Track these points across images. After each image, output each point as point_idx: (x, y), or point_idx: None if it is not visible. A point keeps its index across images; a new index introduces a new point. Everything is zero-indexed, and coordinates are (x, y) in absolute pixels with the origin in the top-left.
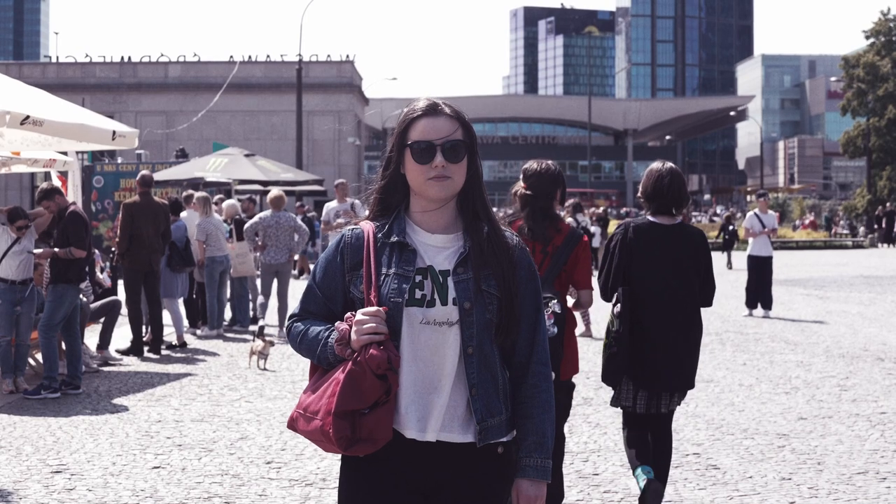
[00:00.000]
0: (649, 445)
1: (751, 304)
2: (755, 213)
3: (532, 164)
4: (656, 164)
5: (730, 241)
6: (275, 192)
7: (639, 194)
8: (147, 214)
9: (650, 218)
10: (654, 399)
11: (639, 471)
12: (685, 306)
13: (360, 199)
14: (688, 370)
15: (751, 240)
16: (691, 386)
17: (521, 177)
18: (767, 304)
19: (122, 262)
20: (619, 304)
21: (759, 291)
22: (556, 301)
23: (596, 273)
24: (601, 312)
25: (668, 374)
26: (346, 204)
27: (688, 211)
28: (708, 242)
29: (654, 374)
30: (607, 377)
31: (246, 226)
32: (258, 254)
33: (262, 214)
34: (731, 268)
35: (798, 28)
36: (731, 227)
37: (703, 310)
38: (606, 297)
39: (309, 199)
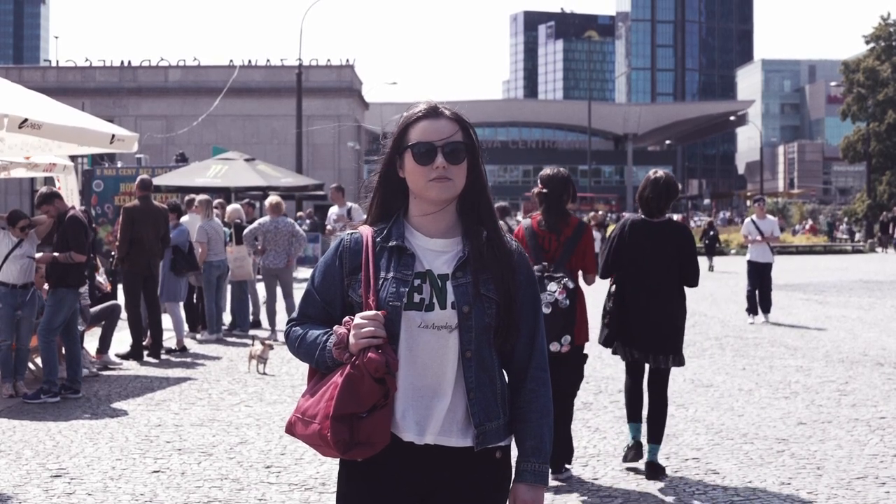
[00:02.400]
0: (642, 400)
1: (752, 310)
2: (752, 220)
3: (546, 170)
4: (650, 174)
5: (711, 246)
6: (273, 198)
7: (636, 198)
8: (147, 218)
9: (643, 216)
10: (643, 355)
11: (630, 426)
12: (666, 285)
13: (360, 202)
14: (669, 334)
15: (749, 245)
16: (675, 348)
17: (539, 181)
18: (767, 309)
19: (122, 265)
20: (614, 286)
21: (758, 297)
22: (567, 279)
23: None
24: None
25: (652, 337)
26: (343, 208)
27: (688, 215)
28: (692, 236)
29: (641, 337)
30: (603, 340)
31: (245, 231)
32: (258, 258)
33: (261, 220)
34: (711, 270)
35: (798, 33)
36: (711, 233)
37: (703, 314)
38: (605, 276)
39: (309, 204)
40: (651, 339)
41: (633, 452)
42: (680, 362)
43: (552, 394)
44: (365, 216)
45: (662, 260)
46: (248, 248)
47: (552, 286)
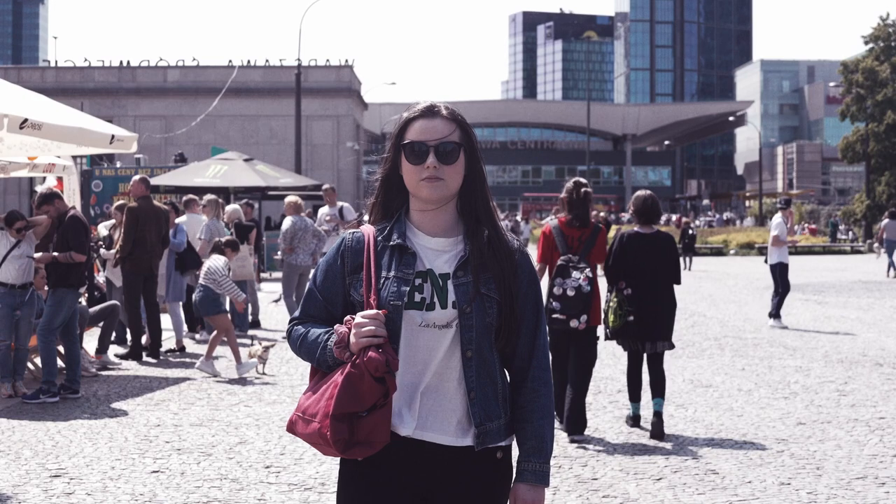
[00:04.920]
0: (640, 383)
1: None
2: (783, 220)
3: (582, 179)
4: (638, 194)
5: (689, 246)
6: (293, 197)
7: (630, 212)
8: (150, 218)
9: (636, 228)
10: (640, 343)
11: (632, 405)
12: (659, 286)
13: (361, 202)
14: (663, 326)
15: (777, 248)
16: (667, 337)
17: (578, 180)
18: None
19: (124, 265)
20: (629, 289)
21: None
22: (588, 269)
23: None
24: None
25: (649, 328)
26: (335, 208)
27: (689, 219)
28: (675, 244)
29: (640, 329)
30: (615, 335)
31: (284, 229)
32: (279, 256)
33: (291, 219)
34: (689, 269)
35: (797, 33)
36: (689, 233)
37: (702, 314)
38: (611, 283)
39: (308, 204)
40: (648, 328)
41: (633, 423)
42: (671, 346)
43: (574, 367)
44: (356, 214)
45: (654, 264)
46: (282, 245)
47: (576, 274)
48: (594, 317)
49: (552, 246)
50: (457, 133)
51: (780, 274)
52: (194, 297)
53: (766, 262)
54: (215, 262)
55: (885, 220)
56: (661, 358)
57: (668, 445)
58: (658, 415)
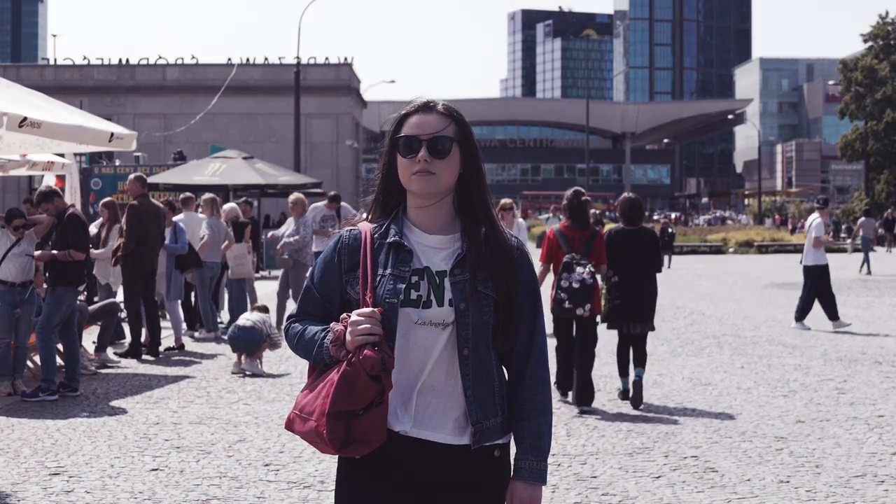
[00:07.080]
0: (629, 361)
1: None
2: (823, 221)
3: (581, 189)
4: (624, 195)
5: (667, 245)
6: (301, 196)
7: (617, 213)
8: (151, 216)
9: (623, 226)
10: (627, 324)
11: (622, 380)
12: (643, 275)
13: (360, 200)
14: (645, 310)
15: (815, 249)
16: (649, 319)
17: (578, 189)
18: (829, 313)
19: (126, 264)
20: (616, 277)
21: (809, 301)
22: (589, 265)
23: None
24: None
25: (634, 311)
26: (333, 210)
27: (689, 218)
28: (657, 238)
29: (627, 312)
30: (605, 318)
31: (310, 228)
32: (285, 255)
33: (304, 219)
34: (669, 267)
35: (796, 31)
36: (669, 231)
37: (701, 313)
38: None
39: (307, 203)
40: (633, 311)
41: (622, 396)
42: (652, 328)
43: (579, 349)
44: (354, 214)
45: (639, 256)
46: (300, 244)
47: (580, 269)
48: (595, 306)
49: (556, 248)
50: (451, 128)
51: (820, 276)
52: (231, 334)
53: (801, 262)
54: (270, 318)
55: (862, 219)
56: (643, 338)
57: (667, 444)
58: (637, 384)
